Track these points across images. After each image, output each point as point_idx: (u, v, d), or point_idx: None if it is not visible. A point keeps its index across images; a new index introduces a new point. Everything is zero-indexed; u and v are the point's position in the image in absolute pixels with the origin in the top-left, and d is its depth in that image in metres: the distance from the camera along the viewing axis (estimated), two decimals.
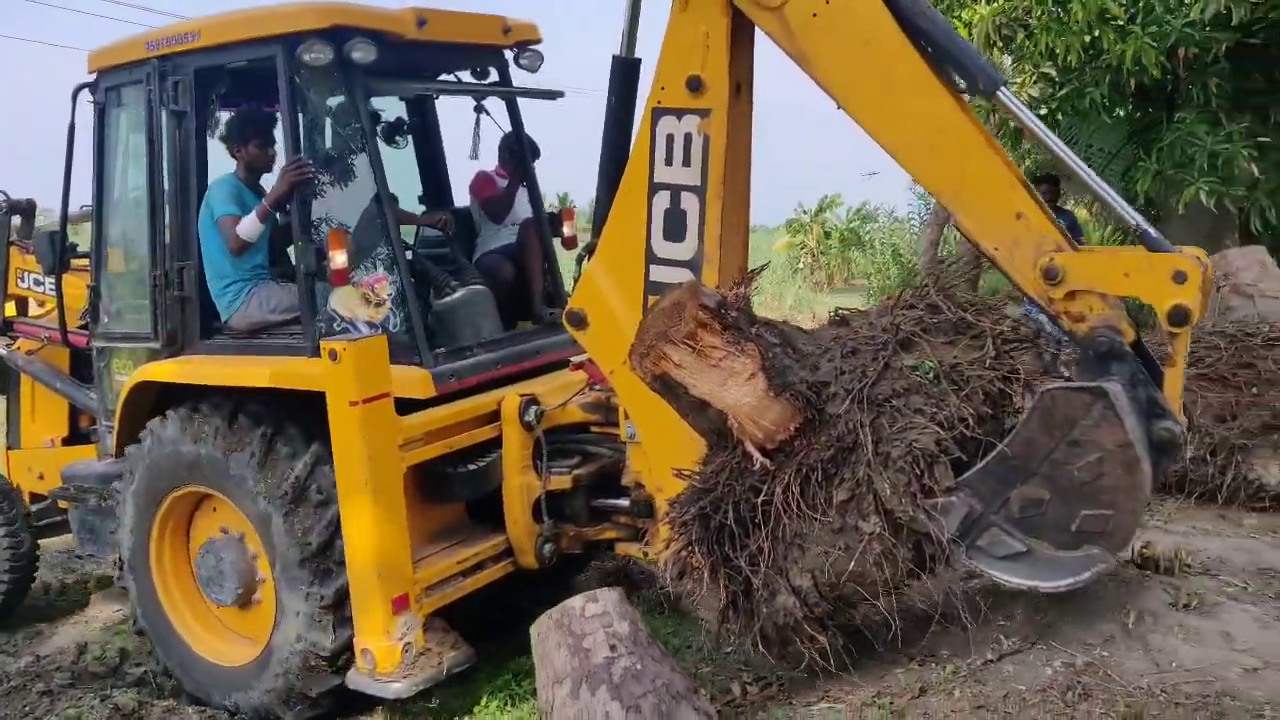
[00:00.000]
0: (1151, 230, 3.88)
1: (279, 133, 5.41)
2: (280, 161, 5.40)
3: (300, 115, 5.18)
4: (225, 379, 5.16)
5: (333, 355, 4.54)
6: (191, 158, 5.48)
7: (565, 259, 6.35)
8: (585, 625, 3.98)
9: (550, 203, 6.53)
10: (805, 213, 24.44)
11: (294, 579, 5.00)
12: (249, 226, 5.26)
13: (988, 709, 3.55)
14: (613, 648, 3.90)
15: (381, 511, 4.66)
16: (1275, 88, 8.06)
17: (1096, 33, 7.42)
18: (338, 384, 4.57)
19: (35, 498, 7.43)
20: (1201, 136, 7.36)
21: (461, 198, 6.72)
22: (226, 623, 5.63)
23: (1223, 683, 3.53)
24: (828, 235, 24.23)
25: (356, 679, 4.85)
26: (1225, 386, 5.41)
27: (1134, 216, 3.92)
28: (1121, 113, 8.37)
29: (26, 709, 5.92)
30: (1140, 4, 7.31)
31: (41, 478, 7.31)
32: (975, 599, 4.11)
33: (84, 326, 6.36)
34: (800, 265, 23.90)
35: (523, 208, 6.37)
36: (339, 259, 4.92)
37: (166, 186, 5.48)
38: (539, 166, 6.41)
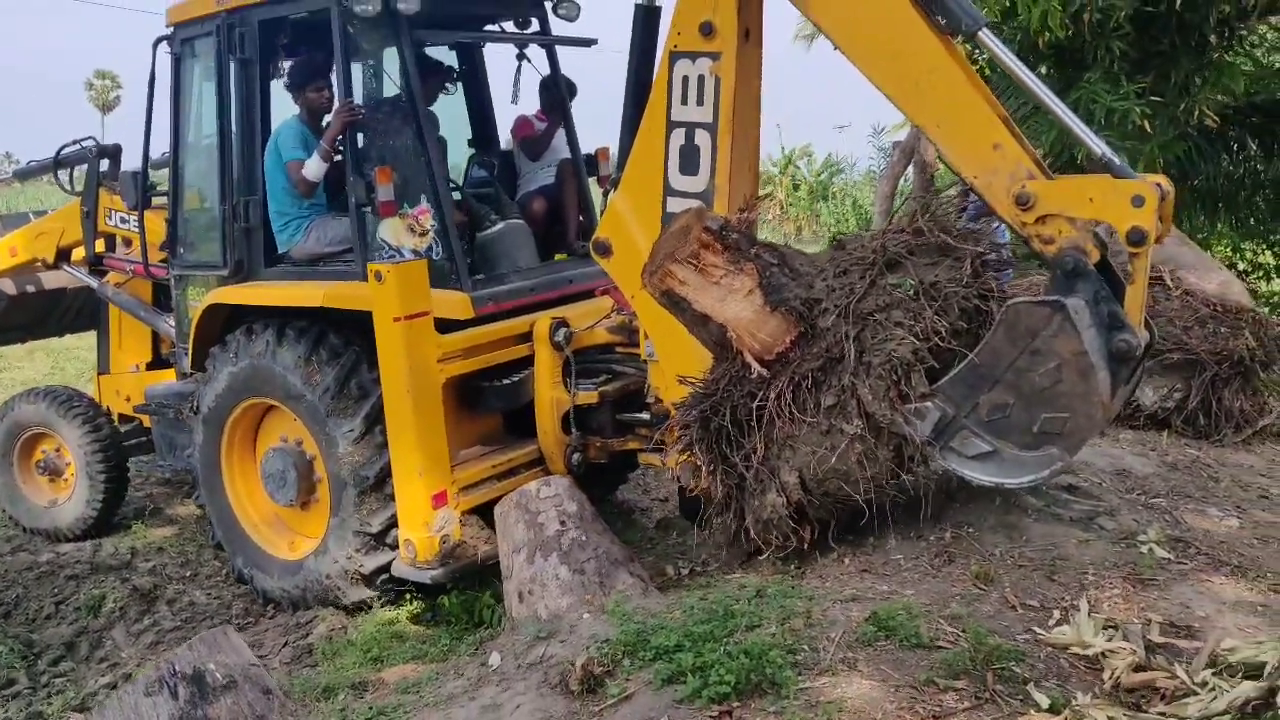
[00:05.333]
0: (1116, 159, 4.15)
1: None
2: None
3: (352, 61, 5.59)
4: (284, 300, 5.66)
5: (378, 276, 4.99)
6: (256, 102, 5.94)
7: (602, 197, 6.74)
8: (540, 504, 4.57)
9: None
10: (774, 165, 24.29)
11: (342, 462, 5.53)
12: (313, 167, 5.73)
13: (870, 571, 4.06)
14: (562, 523, 4.50)
15: (421, 417, 5.12)
16: (1177, 51, 8.36)
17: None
18: (383, 302, 5.03)
19: (123, 419, 8.05)
20: (1102, 94, 7.66)
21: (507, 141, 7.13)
22: (289, 523, 6.17)
23: (1060, 550, 4.03)
24: (796, 187, 24.11)
25: (400, 567, 5.34)
26: None
27: (1101, 147, 4.18)
28: (1044, 70, 8.69)
29: (56, 590, 6.69)
30: None
31: (128, 400, 7.92)
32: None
33: (164, 261, 6.89)
34: (769, 217, 23.86)
35: (561, 148, 6.75)
36: (385, 192, 5.36)
37: (234, 128, 5.96)
38: (576, 108, 6.79)
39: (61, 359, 12.88)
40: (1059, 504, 4.53)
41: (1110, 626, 3.41)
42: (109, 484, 7.60)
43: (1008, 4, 7.88)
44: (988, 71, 7.80)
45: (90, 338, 9.42)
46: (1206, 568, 3.96)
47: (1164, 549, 4.07)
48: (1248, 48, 9.35)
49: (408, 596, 5.88)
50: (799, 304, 4.36)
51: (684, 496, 6.88)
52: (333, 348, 5.55)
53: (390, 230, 5.44)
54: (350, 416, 5.45)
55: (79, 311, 9.23)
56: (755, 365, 4.38)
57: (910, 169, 14.90)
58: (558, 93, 6.69)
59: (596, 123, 6.80)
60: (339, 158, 5.80)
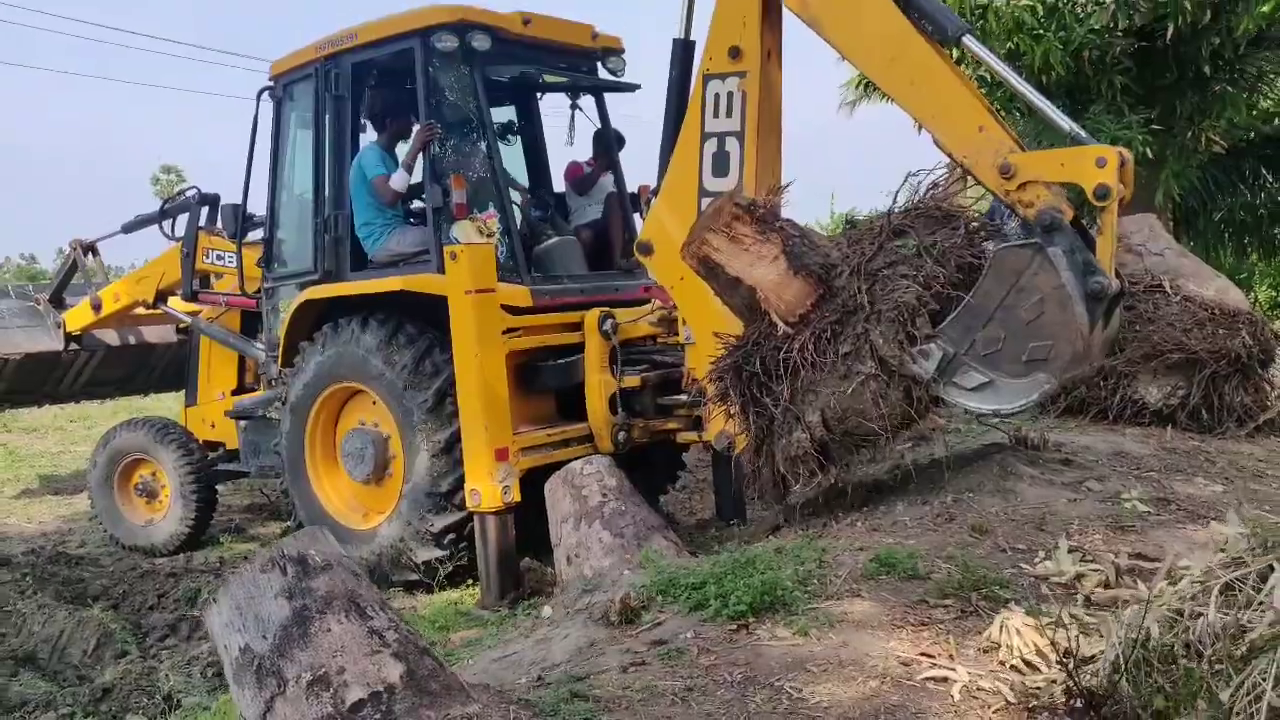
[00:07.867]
0: (1083, 133, 4.79)
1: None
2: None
3: (432, 91, 6.37)
4: (368, 289, 6.38)
5: (453, 256, 5.67)
6: (347, 132, 6.77)
7: None
8: (583, 479, 5.03)
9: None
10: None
11: (415, 430, 6.12)
12: (399, 179, 6.50)
13: (879, 531, 4.43)
14: (604, 495, 4.94)
15: (487, 380, 5.73)
16: (1180, 83, 8.89)
17: (1015, 41, 8.43)
18: (456, 279, 5.70)
19: (207, 445, 8.65)
20: (1106, 124, 8.19)
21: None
22: (363, 500, 6.73)
23: (1050, 507, 4.40)
24: None
25: (473, 609, 5.84)
26: None
27: (1069, 123, 4.82)
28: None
29: (157, 586, 7.25)
30: (1054, 14, 8.23)
31: (213, 427, 8.55)
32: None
33: (257, 291, 7.60)
34: None
35: (609, 185, 7.48)
36: (459, 196, 6.08)
37: (328, 154, 6.73)
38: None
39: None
40: (1052, 472, 4.93)
41: (1088, 561, 3.79)
42: (200, 503, 8.23)
43: (1013, 46, 8.56)
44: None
45: (169, 399, 10.15)
46: (1184, 519, 4.30)
47: (1146, 505, 4.41)
48: (1250, 80, 9.80)
49: (470, 581, 6.36)
50: (818, 268, 4.92)
51: (720, 501, 7.36)
52: (409, 334, 6.21)
53: (461, 231, 6.12)
54: (424, 389, 6.08)
55: (164, 370, 9.98)
56: (781, 324, 4.93)
57: None
58: (607, 139, 7.45)
59: (636, 160, 7.47)
60: (418, 174, 6.54)
